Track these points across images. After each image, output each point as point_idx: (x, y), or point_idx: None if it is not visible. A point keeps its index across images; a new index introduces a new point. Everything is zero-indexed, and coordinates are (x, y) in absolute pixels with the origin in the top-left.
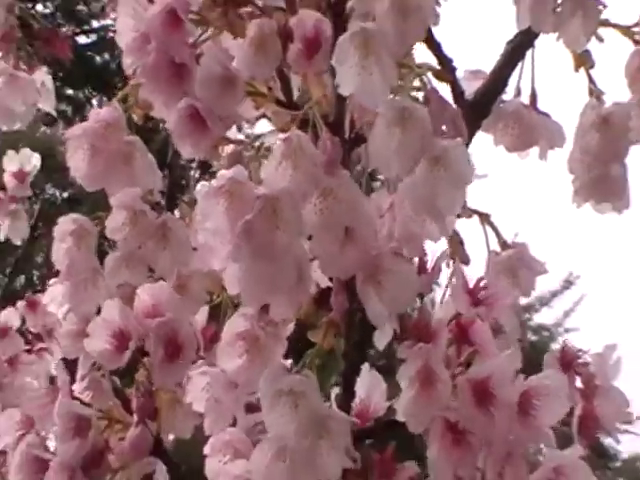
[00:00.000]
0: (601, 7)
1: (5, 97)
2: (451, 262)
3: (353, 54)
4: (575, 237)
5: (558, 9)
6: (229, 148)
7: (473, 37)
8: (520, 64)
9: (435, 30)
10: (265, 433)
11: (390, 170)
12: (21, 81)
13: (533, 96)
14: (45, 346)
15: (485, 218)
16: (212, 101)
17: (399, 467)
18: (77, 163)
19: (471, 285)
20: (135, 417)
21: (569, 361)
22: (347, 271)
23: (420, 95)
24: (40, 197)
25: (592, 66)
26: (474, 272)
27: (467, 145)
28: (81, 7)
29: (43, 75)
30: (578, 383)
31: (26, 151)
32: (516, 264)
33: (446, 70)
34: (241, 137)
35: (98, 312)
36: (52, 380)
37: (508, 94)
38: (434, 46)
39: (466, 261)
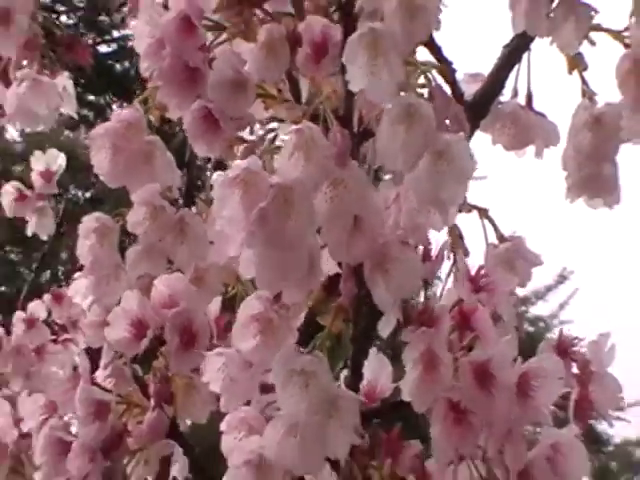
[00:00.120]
0: (593, 12)
1: (29, 100)
2: (452, 255)
3: (362, 53)
4: (569, 233)
5: (552, 14)
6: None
7: (471, 41)
8: (517, 67)
9: (436, 34)
10: (278, 411)
11: (396, 163)
12: (44, 85)
13: (529, 97)
14: (70, 337)
15: (484, 213)
16: (224, 103)
17: (405, 445)
18: (100, 161)
19: (472, 273)
20: (152, 402)
21: (565, 348)
22: (356, 258)
23: (425, 92)
24: (65, 197)
25: (585, 68)
26: (473, 264)
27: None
28: (103, 18)
29: (65, 80)
30: (574, 369)
31: (52, 151)
32: (513, 256)
33: (446, 76)
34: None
35: (118, 303)
36: (76, 369)
37: (505, 95)
38: (435, 50)
39: (465, 253)
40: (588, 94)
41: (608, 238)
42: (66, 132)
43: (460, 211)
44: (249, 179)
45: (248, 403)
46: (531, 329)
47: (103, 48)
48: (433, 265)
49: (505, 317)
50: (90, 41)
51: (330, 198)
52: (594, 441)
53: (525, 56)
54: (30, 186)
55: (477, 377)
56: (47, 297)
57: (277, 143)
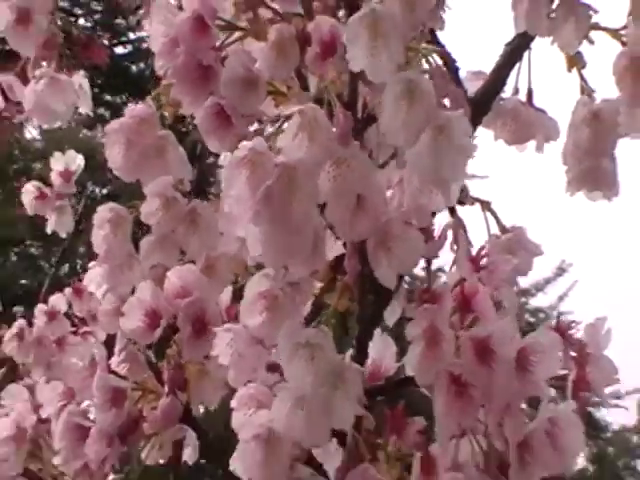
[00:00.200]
0: (592, 12)
1: (47, 97)
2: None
3: (363, 34)
4: (568, 226)
5: (552, 15)
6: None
7: (474, 39)
8: (518, 65)
9: (439, 33)
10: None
11: (398, 138)
12: (61, 83)
13: (530, 94)
14: (89, 329)
15: (486, 205)
16: (236, 100)
17: (408, 422)
18: (114, 156)
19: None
20: (166, 388)
21: (563, 332)
22: (359, 236)
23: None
24: (83, 195)
25: (584, 66)
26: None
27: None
28: (119, 20)
29: (81, 78)
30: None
31: (71, 152)
32: (514, 246)
33: (450, 71)
34: None
35: (133, 292)
36: (93, 358)
37: (507, 92)
38: (440, 52)
39: (468, 244)
40: (587, 91)
41: (606, 231)
42: (84, 131)
43: (463, 204)
44: (255, 159)
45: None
46: (532, 319)
47: (119, 50)
48: (436, 244)
49: (506, 302)
50: (106, 42)
51: (333, 177)
52: (593, 428)
53: (526, 54)
54: (50, 184)
55: (478, 352)
56: (68, 291)
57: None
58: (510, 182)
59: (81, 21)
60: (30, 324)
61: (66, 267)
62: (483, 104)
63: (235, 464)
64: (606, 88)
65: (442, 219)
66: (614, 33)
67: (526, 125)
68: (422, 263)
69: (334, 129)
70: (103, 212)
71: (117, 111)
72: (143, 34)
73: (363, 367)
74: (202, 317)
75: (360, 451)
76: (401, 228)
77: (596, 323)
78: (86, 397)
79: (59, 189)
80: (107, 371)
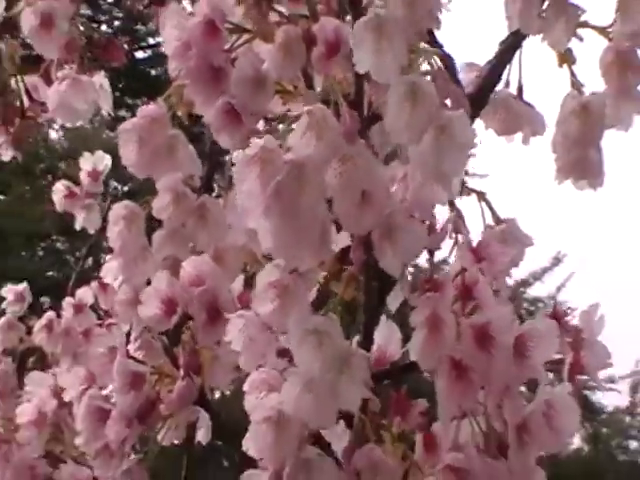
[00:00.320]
0: (581, 12)
1: (69, 97)
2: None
3: (368, 37)
4: (565, 218)
5: (544, 14)
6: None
7: (470, 37)
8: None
9: (437, 32)
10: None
11: (402, 137)
12: (83, 83)
13: (520, 89)
14: (114, 321)
15: (482, 196)
16: (246, 99)
17: (412, 404)
18: (127, 153)
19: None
20: (181, 372)
21: (559, 318)
22: (364, 228)
23: (428, 77)
24: (109, 193)
25: (573, 62)
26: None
27: None
28: (139, 27)
29: (101, 78)
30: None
31: (99, 153)
32: (508, 237)
33: (449, 70)
34: None
35: (148, 283)
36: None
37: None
38: (436, 47)
39: (466, 233)
40: (576, 85)
41: (603, 222)
42: (106, 131)
43: (461, 194)
44: (266, 157)
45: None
46: (531, 308)
47: (139, 54)
48: (438, 236)
49: (503, 292)
50: (127, 47)
51: (339, 173)
52: (589, 410)
53: (517, 52)
54: (76, 182)
55: (478, 338)
56: (94, 285)
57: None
58: (508, 175)
59: (103, 27)
60: (58, 316)
61: (89, 261)
62: (480, 99)
63: (248, 444)
64: (594, 82)
65: (442, 212)
66: (601, 30)
67: (515, 117)
68: (425, 255)
69: (340, 128)
70: (117, 209)
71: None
72: (162, 39)
73: (369, 353)
74: (215, 304)
75: (366, 432)
76: (405, 220)
77: (590, 310)
78: (106, 381)
79: (88, 188)
80: (126, 357)
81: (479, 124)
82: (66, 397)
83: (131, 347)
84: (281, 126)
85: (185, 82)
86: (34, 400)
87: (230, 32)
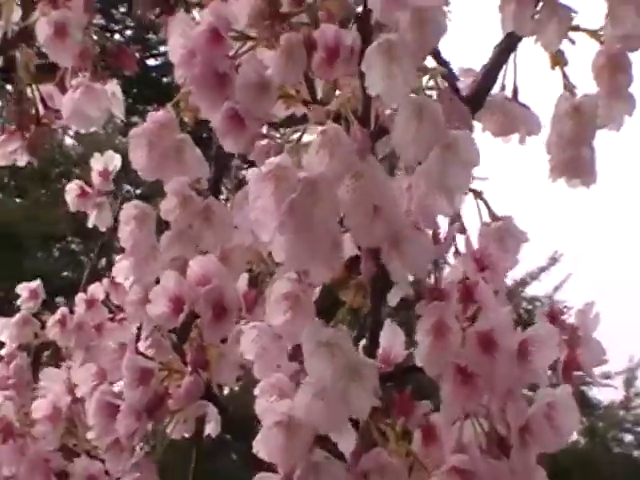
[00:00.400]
0: (572, 14)
1: (83, 104)
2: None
3: (379, 61)
4: (563, 219)
5: (537, 16)
6: (264, 142)
7: (466, 41)
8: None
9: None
10: (306, 378)
11: (409, 155)
12: (96, 91)
13: (515, 91)
14: (125, 316)
15: (478, 195)
16: (250, 104)
17: (415, 405)
18: (137, 157)
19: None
20: (189, 368)
21: (555, 316)
22: (375, 241)
23: (433, 93)
24: (120, 194)
25: (566, 64)
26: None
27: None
28: (150, 35)
29: (114, 86)
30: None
31: (109, 153)
32: (504, 234)
33: (452, 87)
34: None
35: (157, 282)
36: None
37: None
38: (434, 53)
39: (463, 231)
40: (569, 87)
41: (601, 223)
42: (119, 137)
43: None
44: (280, 174)
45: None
46: (529, 307)
47: (151, 62)
48: (443, 246)
49: (501, 293)
50: (139, 55)
51: (352, 189)
52: (586, 405)
53: (512, 54)
54: (90, 184)
55: (482, 344)
56: (105, 281)
57: (303, 141)
58: (504, 176)
59: (116, 36)
60: (71, 311)
61: (103, 261)
62: (476, 102)
63: (258, 447)
64: (586, 84)
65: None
66: (593, 34)
67: (511, 119)
68: None
69: (352, 145)
70: (129, 209)
71: None
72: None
73: (375, 354)
74: (221, 302)
75: (372, 435)
76: (412, 233)
77: (585, 309)
78: (117, 377)
79: (99, 187)
80: (136, 353)
81: (476, 126)
82: (79, 393)
83: (141, 344)
84: (284, 129)
85: (191, 88)
86: (49, 396)
87: (234, 39)
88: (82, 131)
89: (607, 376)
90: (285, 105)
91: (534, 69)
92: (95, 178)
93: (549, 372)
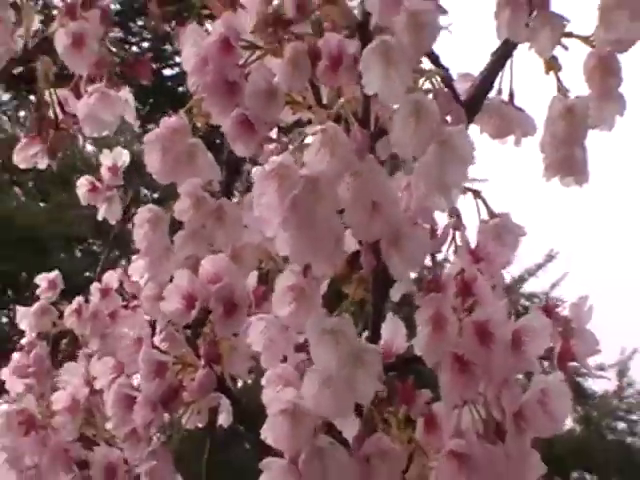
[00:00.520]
0: (565, 21)
1: (97, 110)
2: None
3: (376, 62)
4: (556, 218)
5: (531, 24)
6: (272, 146)
7: (463, 47)
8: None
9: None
10: (312, 367)
11: (407, 152)
12: (111, 98)
13: (511, 95)
14: (138, 303)
15: (477, 194)
16: (258, 110)
17: (417, 394)
18: (152, 161)
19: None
20: (202, 361)
21: (550, 310)
22: (374, 236)
23: (430, 95)
24: (130, 190)
25: (559, 69)
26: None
27: None
28: (166, 47)
29: (127, 94)
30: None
31: (118, 149)
32: (501, 230)
33: (448, 88)
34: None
35: (171, 280)
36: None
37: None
38: (433, 58)
39: (462, 228)
40: (562, 91)
41: (591, 222)
42: (137, 144)
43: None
44: (283, 172)
45: (284, 360)
46: (527, 303)
47: (167, 72)
48: (439, 241)
49: (499, 288)
50: (155, 66)
51: (352, 187)
52: (581, 395)
53: (508, 60)
54: (100, 179)
55: (478, 334)
56: (119, 271)
57: (306, 142)
58: (505, 179)
59: (134, 48)
60: (87, 301)
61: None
62: (473, 106)
63: (265, 434)
64: (578, 86)
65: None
66: (585, 39)
67: (507, 121)
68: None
69: (352, 144)
70: (143, 213)
71: None
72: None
73: (377, 347)
74: (231, 299)
75: (375, 421)
76: (410, 229)
77: (579, 302)
78: (133, 370)
79: (108, 182)
80: (151, 347)
81: (474, 128)
82: (97, 385)
83: (156, 339)
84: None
85: (203, 95)
86: (68, 388)
87: (244, 49)
88: (99, 137)
89: (601, 368)
90: (292, 111)
91: (529, 74)
92: (104, 173)
93: (546, 363)
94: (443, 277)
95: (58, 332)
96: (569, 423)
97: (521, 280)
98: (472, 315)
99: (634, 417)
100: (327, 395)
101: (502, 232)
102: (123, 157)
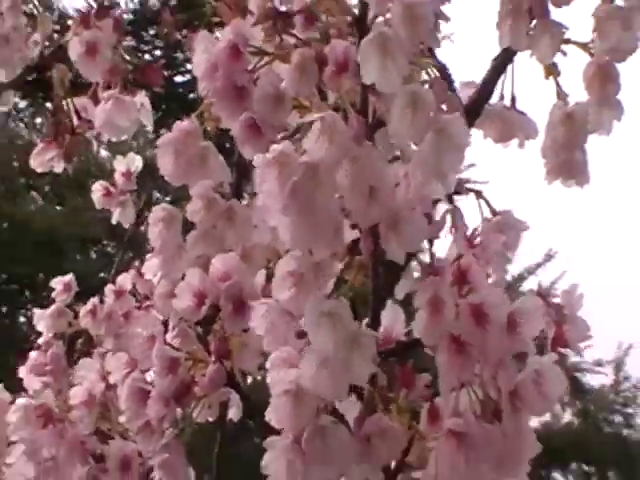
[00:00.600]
0: (564, 29)
1: (114, 115)
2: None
3: (373, 52)
4: (554, 218)
5: (531, 32)
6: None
7: (465, 53)
8: (503, 75)
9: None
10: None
11: (404, 139)
12: (126, 103)
13: (513, 100)
14: (151, 304)
15: (479, 194)
16: (267, 114)
17: (417, 377)
18: (165, 164)
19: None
20: (213, 357)
21: (543, 297)
22: (372, 221)
23: (426, 85)
24: (143, 194)
25: (559, 75)
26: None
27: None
28: (178, 54)
29: (142, 98)
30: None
31: (131, 155)
32: (503, 226)
33: (447, 84)
34: None
35: (183, 278)
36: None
37: (494, 98)
38: (438, 66)
39: (464, 226)
40: (562, 96)
41: (589, 222)
42: (150, 149)
43: (460, 193)
44: (283, 160)
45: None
46: None
47: (179, 79)
48: (435, 227)
49: (496, 274)
50: (167, 73)
51: (350, 173)
52: (579, 390)
53: (509, 67)
54: (114, 184)
55: (474, 316)
56: (132, 272)
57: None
58: (505, 179)
59: (146, 56)
60: (101, 302)
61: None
62: (475, 111)
63: (270, 415)
64: (578, 92)
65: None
66: (583, 46)
67: (509, 126)
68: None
69: (349, 132)
70: (157, 212)
71: None
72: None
73: (377, 333)
74: (241, 297)
75: (375, 403)
76: (408, 213)
77: (570, 289)
78: (146, 365)
79: (122, 186)
80: (164, 344)
81: (477, 133)
82: (112, 380)
83: (169, 335)
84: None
85: (213, 100)
86: (84, 383)
87: (252, 55)
88: (114, 142)
89: (599, 363)
90: (299, 115)
91: (530, 80)
92: (118, 178)
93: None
94: (440, 261)
95: (74, 332)
96: (567, 417)
97: (521, 278)
98: (468, 297)
99: (630, 410)
100: (324, 376)
101: (504, 229)
102: (136, 162)
